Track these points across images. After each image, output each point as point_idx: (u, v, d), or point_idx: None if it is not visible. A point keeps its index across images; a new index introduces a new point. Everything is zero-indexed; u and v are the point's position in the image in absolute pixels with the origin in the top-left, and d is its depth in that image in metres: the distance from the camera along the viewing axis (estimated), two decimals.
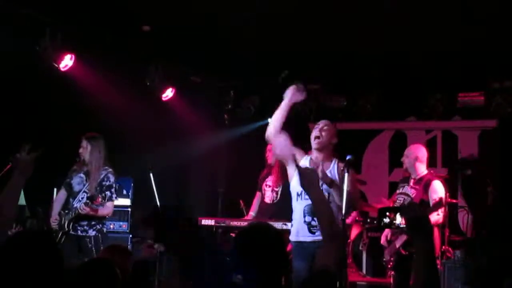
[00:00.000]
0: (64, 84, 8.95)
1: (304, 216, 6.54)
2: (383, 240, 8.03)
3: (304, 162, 6.65)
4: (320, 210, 3.67)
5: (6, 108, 8.53)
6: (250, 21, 8.55)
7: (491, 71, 10.23)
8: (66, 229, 7.57)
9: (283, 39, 9.12)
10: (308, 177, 3.63)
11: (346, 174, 6.11)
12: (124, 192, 9.83)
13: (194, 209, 10.50)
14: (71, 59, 8.82)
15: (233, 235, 8.27)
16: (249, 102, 11.89)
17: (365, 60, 9.94)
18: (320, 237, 6.20)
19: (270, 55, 9.74)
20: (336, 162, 6.67)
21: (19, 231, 3.03)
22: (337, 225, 3.75)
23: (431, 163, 11.00)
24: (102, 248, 7.10)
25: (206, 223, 8.21)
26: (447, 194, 8.05)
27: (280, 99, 6.73)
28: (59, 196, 7.92)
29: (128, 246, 9.42)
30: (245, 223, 7.86)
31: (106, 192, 7.60)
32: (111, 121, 9.30)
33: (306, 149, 6.79)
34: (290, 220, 6.86)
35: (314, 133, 6.77)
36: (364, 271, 9.83)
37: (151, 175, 8.79)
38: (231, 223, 8.21)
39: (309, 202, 6.05)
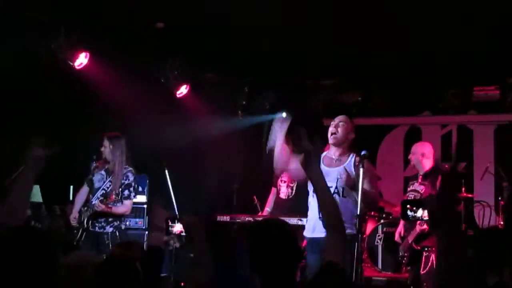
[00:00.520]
0: (79, 82, 8.98)
1: (319, 213, 6.54)
2: (397, 237, 8.11)
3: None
4: (321, 195, 3.62)
5: (21, 107, 8.57)
6: (264, 18, 8.54)
7: (506, 66, 10.17)
8: (86, 225, 7.66)
9: (298, 35, 9.11)
10: (306, 158, 3.56)
11: (361, 169, 6.13)
12: (140, 189, 9.86)
13: (209, 206, 10.52)
14: (86, 57, 8.83)
15: None
16: (264, 99, 11.90)
17: (380, 55, 9.91)
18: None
19: (285, 51, 9.73)
20: (354, 156, 6.68)
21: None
22: (336, 217, 3.71)
23: (446, 158, 11.03)
24: None
25: (222, 220, 8.23)
26: (463, 188, 8.07)
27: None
28: (81, 193, 8.00)
29: (144, 243, 9.47)
30: (260, 219, 7.88)
31: (125, 191, 7.69)
32: (125, 118, 9.32)
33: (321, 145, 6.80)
34: (305, 215, 6.88)
35: (330, 129, 6.79)
36: (379, 266, 9.82)
37: (166, 172, 8.82)
38: (246, 219, 8.23)
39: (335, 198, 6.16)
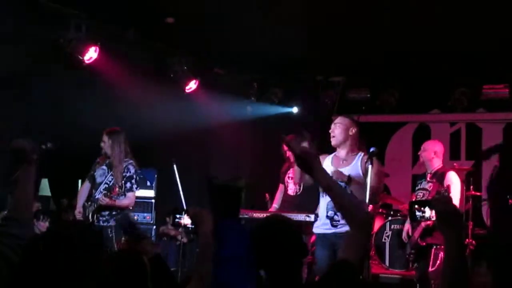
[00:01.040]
0: (89, 77, 9.00)
1: (327, 211, 6.65)
2: (404, 236, 8.12)
3: (328, 161, 6.73)
4: (335, 194, 3.59)
5: (30, 100, 8.59)
6: (272, 14, 8.54)
7: None
8: (90, 220, 7.70)
9: (308, 32, 9.10)
10: (308, 162, 3.54)
11: (369, 167, 6.15)
12: (148, 183, 9.88)
13: None
14: (95, 51, 8.84)
15: None
16: (273, 95, 11.90)
17: (389, 53, 9.90)
18: (342, 230, 6.30)
19: (294, 48, 9.72)
20: (361, 155, 6.70)
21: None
22: (361, 209, 3.69)
23: (455, 156, 11.03)
24: (122, 238, 7.19)
25: None
26: (471, 186, 8.07)
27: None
28: (83, 189, 8.11)
29: (152, 238, 9.50)
30: (264, 216, 7.89)
31: (127, 184, 7.76)
32: (134, 113, 9.34)
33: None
34: (313, 212, 6.93)
35: (331, 132, 6.88)
36: (387, 263, 9.82)
37: (174, 166, 8.83)
38: (254, 215, 8.23)
39: None
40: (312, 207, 7.92)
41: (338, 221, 6.50)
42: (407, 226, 8.09)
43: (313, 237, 7.20)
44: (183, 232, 8.81)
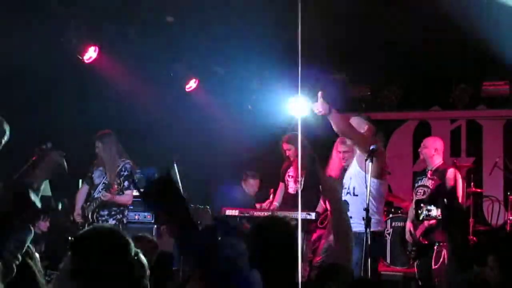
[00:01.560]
0: (89, 76, 9.01)
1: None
2: (408, 236, 8.10)
3: None
4: (338, 219, 3.66)
5: (31, 101, 8.59)
6: (273, 9, 8.53)
7: None
8: (90, 220, 7.86)
9: (308, 29, 9.08)
10: (328, 185, 3.62)
11: (370, 164, 6.17)
12: None
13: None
14: (95, 51, 8.85)
15: None
16: (274, 92, 11.87)
17: (389, 50, 9.90)
18: (355, 229, 6.32)
19: (294, 45, 9.69)
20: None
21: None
22: (350, 238, 3.76)
23: (455, 153, 11.02)
24: None
25: (231, 214, 8.25)
26: (472, 183, 8.08)
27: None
28: (81, 191, 8.25)
29: (154, 238, 9.49)
30: (269, 213, 7.91)
31: (125, 182, 7.94)
32: (135, 112, 9.35)
33: None
34: (313, 210, 6.95)
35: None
36: (388, 261, 9.82)
37: (175, 166, 8.83)
38: (255, 213, 8.24)
39: (348, 198, 6.25)
40: (312, 205, 7.94)
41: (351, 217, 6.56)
42: (409, 224, 8.06)
43: (314, 235, 7.21)
44: None
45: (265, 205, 9.06)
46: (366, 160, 6.39)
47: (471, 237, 8.79)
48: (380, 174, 6.65)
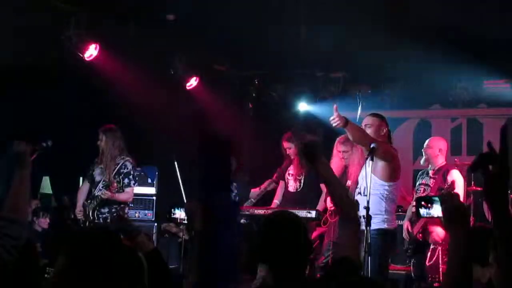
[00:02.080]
0: (89, 74, 9.00)
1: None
2: (405, 234, 8.13)
3: None
4: (330, 184, 3.62)
5: (31, 97, 8.59)
6: (280, 10, 8.55)
7: None
8: (91, 217, 7.87)
9: (307, 28, 9.10)
10: (311, 150, 3.57)
11: (370, 162, 6.19)
12: (149, 180, 9.87)
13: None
14: (95, 48, 8.84)
15: None
16: (274, 91, 11.87)
17: (389, 48, 9.87)
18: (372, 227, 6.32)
19: (294, 44, 9.71)
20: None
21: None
22: (349, 202, 3.73)
23: (456, 152, 11.00)
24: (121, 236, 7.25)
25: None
26: (472, 181, 8.09)
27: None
28: (82, 189, 8.28)
29: (154, 235, 9.50)
30: (270, 212, 7.89)
31: (125, 180, 7.95)
32: (135, 110, 9.34)
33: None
34: (313, 208, 6.97)
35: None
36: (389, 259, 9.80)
37: (175, 164, 8.83)
38: (256, 211, 8.23)
39: (359, 197, 6.29)
40: (313, 203, 7.94)
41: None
42: (406, 223, 8.12)
43: (315, 233, 7.21)
44: (184, 229, 8.81)
45: (264, 185, 9.00)
46: (367, 158, 6.40)
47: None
48: (392, 176, 6.68)
